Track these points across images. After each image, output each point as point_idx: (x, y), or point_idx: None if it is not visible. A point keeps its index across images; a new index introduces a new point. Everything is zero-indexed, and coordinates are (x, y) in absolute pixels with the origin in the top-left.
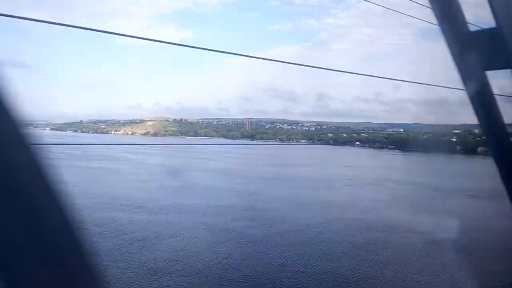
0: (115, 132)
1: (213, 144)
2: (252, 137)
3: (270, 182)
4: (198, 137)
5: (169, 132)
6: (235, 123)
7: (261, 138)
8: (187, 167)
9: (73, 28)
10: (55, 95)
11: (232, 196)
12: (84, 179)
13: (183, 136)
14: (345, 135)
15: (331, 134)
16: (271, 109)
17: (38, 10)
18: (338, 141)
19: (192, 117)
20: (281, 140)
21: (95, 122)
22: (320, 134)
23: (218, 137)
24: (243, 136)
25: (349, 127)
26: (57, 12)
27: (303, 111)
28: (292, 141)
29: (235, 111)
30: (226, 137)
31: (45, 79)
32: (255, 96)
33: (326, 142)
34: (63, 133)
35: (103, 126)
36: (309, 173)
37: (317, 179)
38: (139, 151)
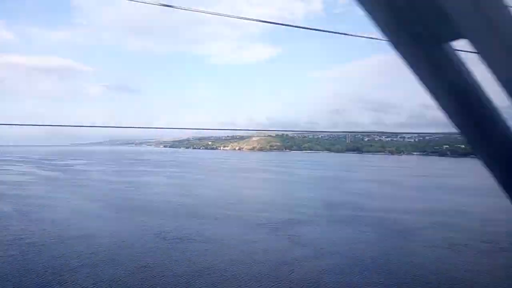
0: (224, 148)
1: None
2: (355, 150)
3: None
4: (303, 151)
5: (274, 147)
6: (332, 136)
7: (368, 151)
8: (347, 178)
9: (174, 52)
10: (159, 115)
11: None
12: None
13: (287, 150)
14: (463, 146)
15: (447, 146)
16: (363, 121)
17: (141, 39)
18: (457, 153)
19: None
20: (391, 152)
21: (200, 139)
22: (434, 146)
23: (322, 150)
24: (348, 149)
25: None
26: (159, 39)
27: (398, 122)
28: (402, 153)
29: (325, 124)
30: (330, 150)
31: (151, 101)
32: (344, 108)
33: (443, 154)
34: (178, 149)
35: (209, 143)
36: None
37: None
38: (283, 165)
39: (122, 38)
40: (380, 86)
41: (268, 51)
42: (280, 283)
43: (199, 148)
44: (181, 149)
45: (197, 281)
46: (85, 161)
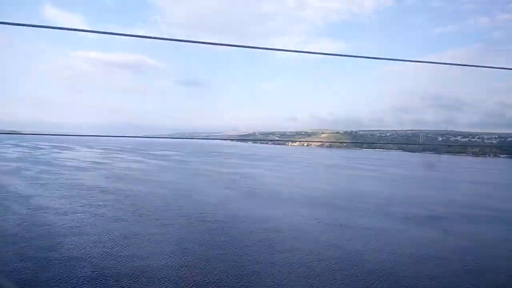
0: (292, 144)
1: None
2: (432, 150)
3: None
4: (375, 150)
5: (344, 145)
6: (400, 135)
7: (448, 152)
8: (449, 179)
9: (240, 48)
10: (223, 110)
11: None
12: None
13: (357, 148)
14: None
15: None
16: (432, 119)
17: (210, 35)
18: None
19: (345, 128)
20: (474, 154)
21: (267, 134)
22: None
23: (395, 149)
24: (424, 149)
25: None
26: (226, 35)
27: (472, 121)
28: (488, 155)
29: (390, 122)
30: (403, 149)
31: (217, 96)
32: (412, 106)
33: None
34: (245, 144)
35: (276, 138)
36: None
37: None
38: (366, 162)
39: (192, 34)
40: (453, 82)
41: (333, 46)
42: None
43: (267, 143)
44: (248, 144)
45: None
46: (175, 152)
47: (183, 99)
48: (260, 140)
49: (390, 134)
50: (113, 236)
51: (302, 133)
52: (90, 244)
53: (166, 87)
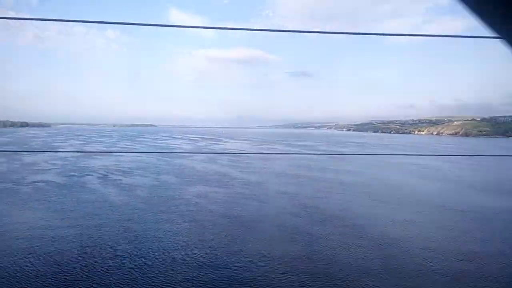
0: (419, 133)
1: None
2: None
3: None
4: None
5: (483, 133)
6: None
7: None
8: None
9: (350, 35)
10: (336, 99)
11: None
12: None
13: (499, 136)
14: None
15: None
16: None
17: (321, 25)
18: None
19: (474, 114)
20: None
21: (385, 122)
22: None
23: None
24: None
25: None
26: (337, 23)
27: None
28: None
29: None
30: None
31: (327, 85)
32: None
33: None
34: (363, 133)
35: (397, 126)
36: None
37: None
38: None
39: (303, 26)
40: None
41: (457, 24)
42: None
43: (389, 132)
44: (368, 133)
45: None
46: (312, 142)
47: (294, 90)
48: (380, 129)
49: None
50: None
51: (426, 121)
52: None
53: (279, 79)
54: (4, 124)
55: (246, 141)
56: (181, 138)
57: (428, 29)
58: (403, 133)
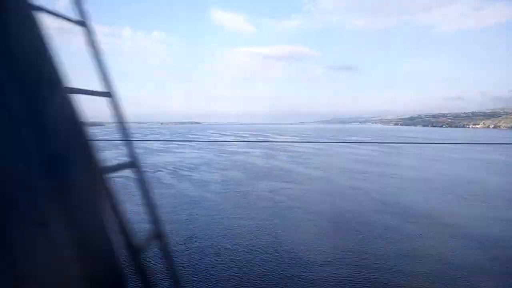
0: (474, 126)
1: None
2: None
3: None
4: None
5: None
6: None
7: None
8: None
9: (392, 27)
10: (380, 92)
11: None
12: None
13: None
14: None
15: None
16: None
17: (363, 17)
18: None
19: None
20: None
21: (436, 116)
22: None
23: None
24: None
25: None
26: (379, 14)
27: None
28: None
29: None
30: None
31: (371, 79)
32: None
33: None
34: (412, 128)
35: (449, 120)
36: None
37: None
38: None
39: (345, 19)
40: None
41: (510, 12)
42: None
43: (440, 126)
44: (417, 127)
45: None
46: (367, 138)
47: (336, 85)
48: (431, 123)
49: None
50: None
51: (480, 113)
52: None
53: (320, 74)
54: None
55: (295, 137)
56: (229, 135)
57: (477, 17)
58: (456, 126)
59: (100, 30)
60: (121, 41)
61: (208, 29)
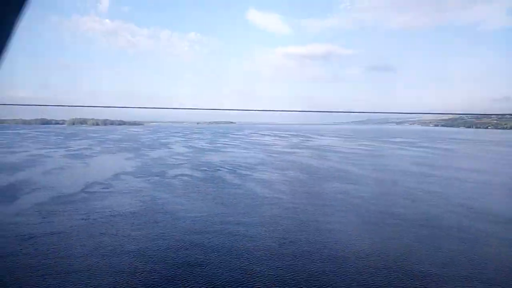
0: None
1: None
2: None
3: None
4: None
5: None
6: None
7: None
8: None
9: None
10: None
11: None
12: None
13: None
14: None
15: None
16: None
17: (402, 15)
18: None
19: None
20: None
21: (479, 117)
22: None
23: None
24: None
25: None
26: (419, 12)
27: None
28: None
29: None
30: None
31: (409, 79)
32: None
33: None
34: (453, 129)
35: (495, 121)
36: None
37: None
38: None
39: (383, 17)
40: None
41: None
42: None
43: (485, 128)
44: (460, 129)
45: None
46: (410, 139)
47: (372, 85)
48: (475, 125)
49: None
50: None
51: None
52: None
53: (355, 73)
54: (105, 122)
55: (337, 138)
56: (268, 135)
57: None
58: (503, 128)
59: (141, 32)
60: (160, 43)
61: (244, 30)
